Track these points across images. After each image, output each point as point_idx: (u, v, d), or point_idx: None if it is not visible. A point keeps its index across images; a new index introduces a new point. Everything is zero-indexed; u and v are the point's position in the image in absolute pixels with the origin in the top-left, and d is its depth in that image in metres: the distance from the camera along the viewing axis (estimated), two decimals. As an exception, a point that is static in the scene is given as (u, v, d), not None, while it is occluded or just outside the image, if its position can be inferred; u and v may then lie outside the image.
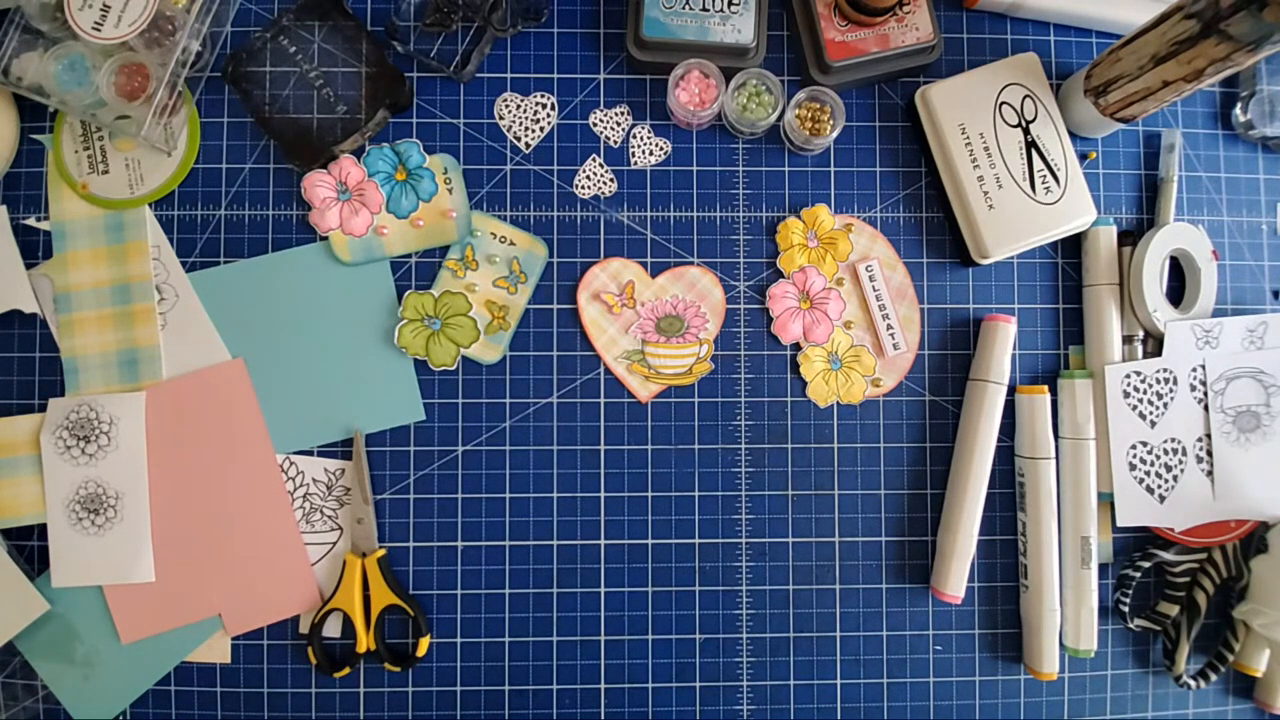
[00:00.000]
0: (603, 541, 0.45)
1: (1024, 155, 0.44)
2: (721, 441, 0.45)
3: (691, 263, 0.46)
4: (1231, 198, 0.47)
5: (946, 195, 0.45)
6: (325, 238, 0.44)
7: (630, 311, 0.45)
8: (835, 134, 0.44)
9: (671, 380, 0.45)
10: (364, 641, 0.43)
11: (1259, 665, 0.44)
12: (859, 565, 0.45)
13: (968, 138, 0.44)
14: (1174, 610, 0.45)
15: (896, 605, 0.45)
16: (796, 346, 0.46)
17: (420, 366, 0.45)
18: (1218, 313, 0.46)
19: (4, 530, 0.43)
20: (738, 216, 0.46)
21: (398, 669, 0.43)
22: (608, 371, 0.45)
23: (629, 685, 0.44)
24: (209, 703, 0.43)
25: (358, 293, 0.45)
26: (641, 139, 0.46)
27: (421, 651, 0.43)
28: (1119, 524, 0.44)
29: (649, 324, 0.45)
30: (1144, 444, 0.44)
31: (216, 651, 0.43)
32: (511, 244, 0.45)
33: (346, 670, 0.43)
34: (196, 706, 0.43)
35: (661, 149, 0.46)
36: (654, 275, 0.46)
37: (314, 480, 0.44)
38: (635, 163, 0.46)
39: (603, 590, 0.45)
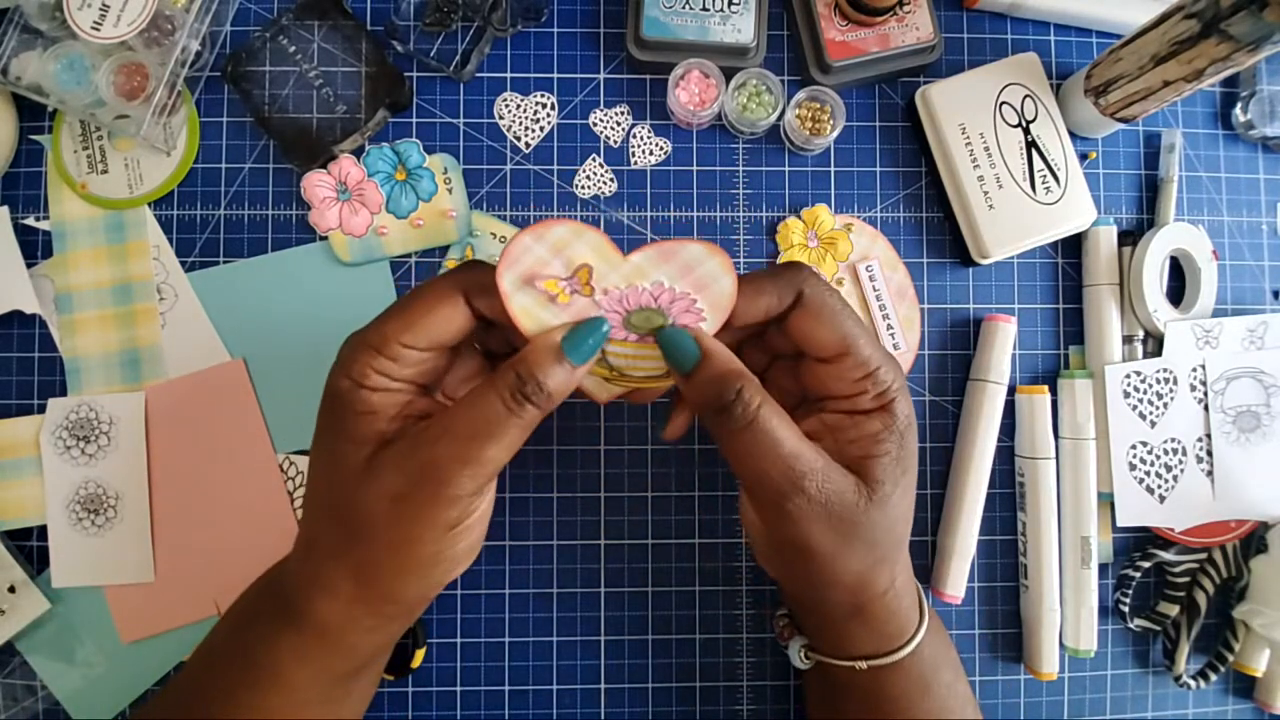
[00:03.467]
0: (603, 541, 0.45)
1: (1024, 155, 0.44)
2: (721, 441, 0.45)
3: (693, 239, 0.38)
4: (1231, 198, 0.47)
5: (946, 195, 0.45)
6: (325, 238, 0.44)
7: (585, 300, 0.31)
8: (835, 134, 0.44)
9: (642, 384, 0.33)
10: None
11: (1259, 665, 0.44)
12: (859, 565, 0.45)
13: (968, 138, 0.44)
14: (1174, 610, 0.45)
15: (896, 605, 0.45)
16: (796, 346, 0.46)
17: (420, 366, 0.45)
18: (1218, 313, 0.46)
19: (6, 531, 0.43)
20: (738, 216, 0.46)
21: (392, 677, 0.43)
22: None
23: (629, 685, 0.44)
24: (209, 703, 0.43)
25: (358, 293, 0.45)
26: (641, 139, 0.46)
27: (415, 664, 0.42)
28: (1119, 524, 0.44)
29: (615, 316, 0.31)
30: (1144, 444, 0.44)
31: (216, 651, 0.43)
32: (511, 244, 0.45)
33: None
34: (196, 707, 0.43)
35: (661, 149, 0.46)
36: (629, 251, 0.30)
37: (314, 480, 0.44)
38: (635, 163, 0.46)
39: (603, 590, 0.45)
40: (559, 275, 0.30)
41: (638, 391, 0.34)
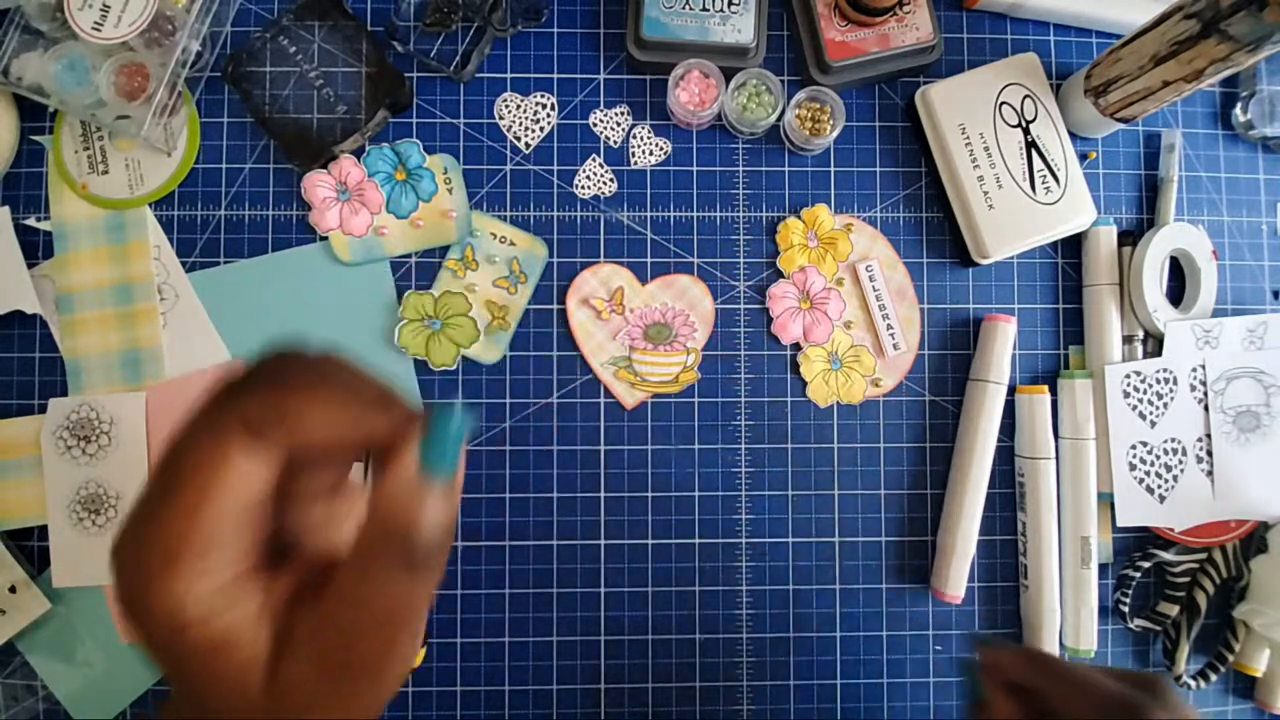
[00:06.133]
0: (603, 541, 0.45)
1: (1024, 155, 0.44)
2: (721, 441, 0.45)
3: (683, 269, 0.46)
4: (1231, 198, 0.47)
5: (946, 195, 0.45)
6: (325, 238, 0.44)
7: (619, 318, 0.45)
8: (835, 134, 0.44)
9: (657, 389, 0.45)
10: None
11: (1259, 665, 0.44)
12: (859, 565, 0.45)
13: (968, 138, 0.44)
14: (1174, 610, 0.45)
15: (896, 605, 0.45)
16: (796, 347, 0.46)
17: (420, 366, 0.45)
18: (1218, 313, 0.46)
19: (7, 531, 0.43)
20: (738, 216, 0.46)
21: None
22: (595, 377, 0.45)
23: (629, 685, 0.44)
24: (209, 703, 0.43)
25: (358, 293, 0.45)
26: (641, 139, 0.46)
27: (416, 664, 0.43)
28: (1119, 524, 0.44)
29: (637, 330, 0.45)
30: (1144, 444, 0.44)
31: (217, 651, 0.43)
32: (511, 244, 0.45)
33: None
34: (197, 706, 0.43)
35: (661, 149, 0.46)
36: (645, 282, 0.45)
37: (314, 480, 0.44)
38: (635, 163, 0.46)
39: (603, 590, 0.45)
40: (603, 297, 0.45)
41: (656, 394, 0.44)
